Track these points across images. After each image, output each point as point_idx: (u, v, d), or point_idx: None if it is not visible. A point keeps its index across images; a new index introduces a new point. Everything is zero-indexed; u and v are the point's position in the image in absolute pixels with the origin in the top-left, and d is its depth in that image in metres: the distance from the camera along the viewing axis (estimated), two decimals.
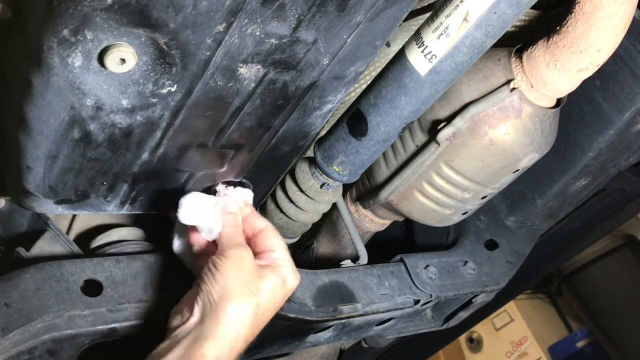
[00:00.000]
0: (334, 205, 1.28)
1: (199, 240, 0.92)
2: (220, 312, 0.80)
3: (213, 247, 0.90)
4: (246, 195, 0.96)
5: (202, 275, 0.84)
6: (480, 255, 1.45)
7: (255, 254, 0.89)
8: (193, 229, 0.91)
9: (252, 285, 0.83)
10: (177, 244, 0.97)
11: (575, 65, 0.99)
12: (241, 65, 0.74)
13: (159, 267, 0.97)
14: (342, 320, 1.19)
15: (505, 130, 1.07)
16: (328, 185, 1.17)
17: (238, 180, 1.00)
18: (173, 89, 0.73)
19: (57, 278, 0.90)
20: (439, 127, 1.10)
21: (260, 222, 0.94)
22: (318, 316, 1.14)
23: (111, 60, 0.65)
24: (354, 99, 1.11)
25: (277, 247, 0.90)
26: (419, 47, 0.95)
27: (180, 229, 0.95)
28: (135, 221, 1.22)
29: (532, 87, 1.05)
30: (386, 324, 1.33)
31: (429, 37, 0.93)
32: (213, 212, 0.91)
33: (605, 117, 1.28)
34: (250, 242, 0.92)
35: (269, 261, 0.89)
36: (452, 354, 3.52)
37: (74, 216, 1.22)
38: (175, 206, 0.90)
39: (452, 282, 1.34)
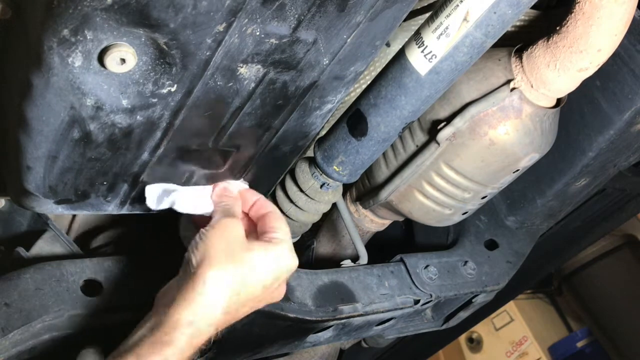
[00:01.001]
0: (334, 205, 1.28)
1: (200, 220, 0.92)
2: (197, 278, 0.77)
3: None
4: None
5: (188, 247, 0.82)
6: (480, 255, 1.45)
7: (258, 236, 0.88)
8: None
9: (237, 255, 0.81)
10: (181, 228, 0.98)
11: (575, 65, 0.99)
12: (241, 65, 0.74)
13: (160, 267, 0.97)
14: (342, 320, 1.19)
15: (505, 130, 1.07)
16: (328, 185, 1.17)
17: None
18: (173, 89, 0.73)
19: (57, 278, 0.90)
20: (439, 127, 1.10)
21: (267, 206, 0.93)
22: (318, 316, 1.14)
23: (111, 60, 0.65)
24: (354, 99, 1.11)
25: (278, 229, 0.89)
26: (419, 47, 0.95)
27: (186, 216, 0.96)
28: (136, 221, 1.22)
29: (532, 87, 1.05)
30: (386, 324, 1.34)
31: (429, 37, 0.93)
32: (203, 195, 0.93)
33: (605, 117, 1.28)
34: (255, 225, 0.92)
35: (266, 238, 0.87)
36: (452, 354, 3.51)
37: (73, 216, 1.22)
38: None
39: (452, 282, 1.34)
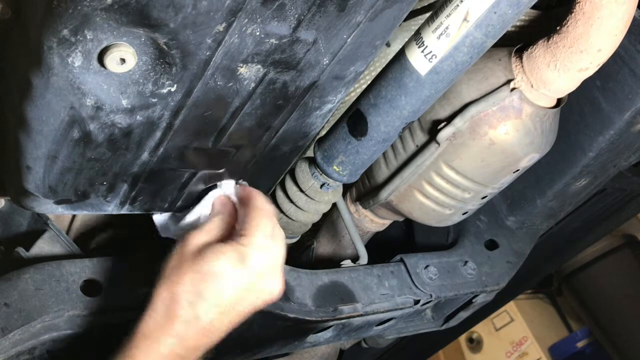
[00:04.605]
0: (334, 205, 1.28)
1: None
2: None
3: None
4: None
5: None
6: (480, 255, 1.45)
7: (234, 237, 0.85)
8: None
9: (184, 267, 0.81)
10: None
11: (576, 65, 0.99)
12: (241, 65, 0.74)
13: (160, 267, 0.97)
14: (342, 320, 1.19)
15: (505, 130, 1.07)
16: (328, 185, 1.17)
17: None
18: (173, 89, 0.73)
19: (57, 278, 0.90)
20: (439, 127, 1.10)
21: (255, 202, 0.88)
22: (318, 316, 1.14)
23: (111, 60, 0.65)
24: (354, 99, 1.11)
25: (249, 227, 0.84)
26: (419, 47, 0.95)
27: None
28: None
29: (532, 87, 1.05)
30: (386, 324, 1.34)
31: (429, 37, 0.93)
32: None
33: (605, 117, 1.28)
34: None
35: (235, 239, 0.84)
36: (452, 354, 3.51)
37: (73, 216, 1.22)
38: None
39: (452, 282, 1.34)
